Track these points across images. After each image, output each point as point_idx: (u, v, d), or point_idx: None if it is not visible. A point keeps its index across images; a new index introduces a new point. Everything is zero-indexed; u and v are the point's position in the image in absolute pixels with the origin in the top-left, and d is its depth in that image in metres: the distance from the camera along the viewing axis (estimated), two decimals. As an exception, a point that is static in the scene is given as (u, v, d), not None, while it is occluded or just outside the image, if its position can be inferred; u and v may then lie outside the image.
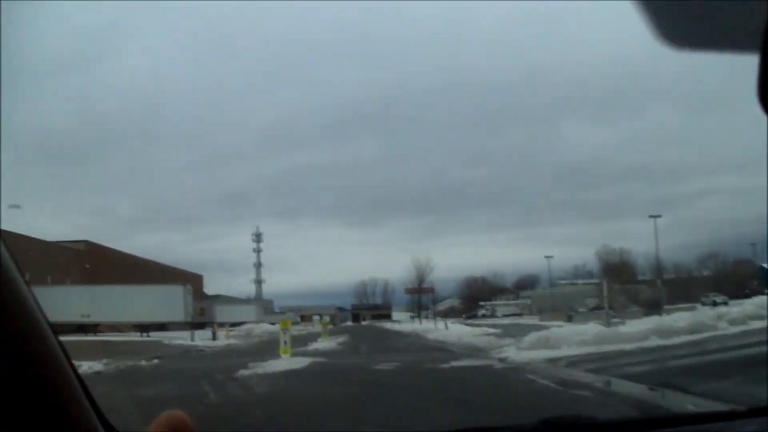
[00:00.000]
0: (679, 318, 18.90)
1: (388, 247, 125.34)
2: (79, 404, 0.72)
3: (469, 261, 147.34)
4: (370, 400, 9.69)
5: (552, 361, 13.97)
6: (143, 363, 18.46)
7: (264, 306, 72.80)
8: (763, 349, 11.50)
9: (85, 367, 14.90)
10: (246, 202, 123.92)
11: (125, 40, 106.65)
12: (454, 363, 15.20)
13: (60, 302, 33.37)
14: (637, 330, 17.09)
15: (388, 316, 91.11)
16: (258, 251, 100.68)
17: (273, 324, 40.25)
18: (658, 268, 63.53)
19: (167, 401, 9.85)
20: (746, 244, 71.86)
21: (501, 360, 15.27)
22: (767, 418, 1.87)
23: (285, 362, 16.47)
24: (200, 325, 42.60)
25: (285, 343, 18.35)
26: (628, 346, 15.25)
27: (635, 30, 0.84)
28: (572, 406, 8.18)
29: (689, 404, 7.19)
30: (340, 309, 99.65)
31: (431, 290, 65.57)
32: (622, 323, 21.51)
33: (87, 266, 53.19)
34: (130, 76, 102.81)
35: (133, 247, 75.53)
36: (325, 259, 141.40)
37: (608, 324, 21.80)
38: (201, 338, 32.55)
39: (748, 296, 34.13)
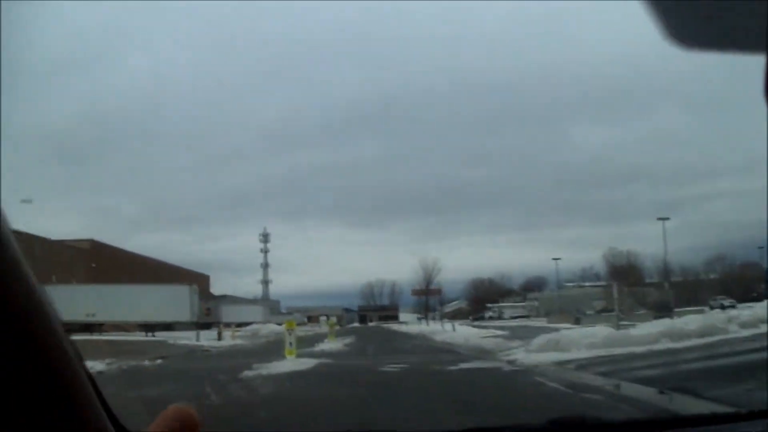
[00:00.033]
0: (689, 321, 18.64)
1: (396, 248, 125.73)
2: (90, 403, 0.71)
3: (477, 263, 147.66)
4: (377, 402, 9.54)
5: (561, 363, 13.82)
6: (146, 363, 18.40)
7: (271, 306, 72.88)
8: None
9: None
10: (252, 203, 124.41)
11: (126, 40, 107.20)
12: (462, 365, 15.11)
13: (65, 301, 33.22)
14: (648, 333, 16.93)
15: (395, 318, 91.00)
16: (265, 252, 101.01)
17: (279, 324, 39.98)
18: (666, 271, 63.21)
19: (167, 401, 9.65)
20: (754, 247, 71.54)
21: (509, 362, 15.16)
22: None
23: (290, 363, 16.33)
24: (206, 326, 42.62)
25: (290, 344, 18.17)
26: (638, 349, 15.06)
27: (644, 30, 0.80)
28: (582, 409, 8.01)
29: (702, 409, 6.97)
30: (347, 310, 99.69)
31: (438, 292, 65.55)
32: (632, 326, 21.27)
33: (92, 265, 53.28)
34: (132, 76, 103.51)
35: (139, 247, 75.53)
36: (332, 259, 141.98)
37: (617, 327, 21.58)
38: (206, 338, 32.52)
39: (756, 299, 33.82)
